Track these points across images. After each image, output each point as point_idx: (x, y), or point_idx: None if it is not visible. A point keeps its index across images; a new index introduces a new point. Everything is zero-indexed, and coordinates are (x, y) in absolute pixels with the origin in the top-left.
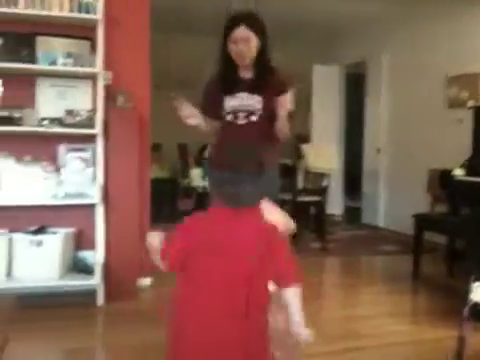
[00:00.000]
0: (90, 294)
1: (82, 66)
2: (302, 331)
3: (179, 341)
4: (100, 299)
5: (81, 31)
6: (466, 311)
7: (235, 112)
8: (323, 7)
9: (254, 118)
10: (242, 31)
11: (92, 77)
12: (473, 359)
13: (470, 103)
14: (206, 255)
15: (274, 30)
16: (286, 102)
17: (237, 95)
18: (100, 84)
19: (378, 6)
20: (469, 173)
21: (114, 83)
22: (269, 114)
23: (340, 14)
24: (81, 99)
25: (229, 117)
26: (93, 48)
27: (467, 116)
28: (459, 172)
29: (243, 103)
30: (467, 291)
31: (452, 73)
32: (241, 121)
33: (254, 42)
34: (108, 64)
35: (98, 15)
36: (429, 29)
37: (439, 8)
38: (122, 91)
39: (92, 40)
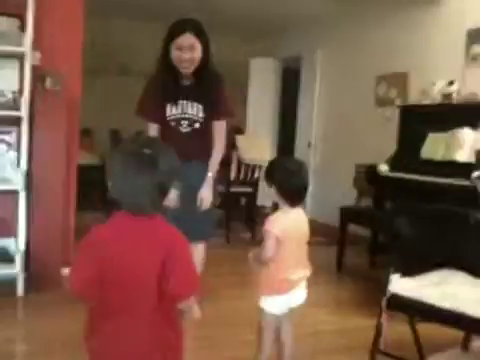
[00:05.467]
0: (11, 284)
1: (9, 45)
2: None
3: None
4: (21, 288)
5: (10, 8)
6: (384, 301)
7: (178, 120)
8: (261, 1)
9: (197, 126)
10: (187, 39)
11: (20, 57)
12: (391, 347)
13: (397, 102)
14: (114, 272)
15: (212, 22)
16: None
17: (179, 102)
18: (27, 64)
19: (315, 3)
20: (393, 169)
21: (43, 64)
22: (209, 119)
23: (278, 8)
24: (6, 79)
25: (172, 124)
26: (22, 27)
27: (394, 114)
28: (383, 168)
29: (186, 111)
30: (386, 282)
31: (381, 72)
32: (184, 129)
33: (199, 50)
34: (37, 44)
35: None
36: (361, 28)
37: (371, 9)
38: (51, 73)
39: (21, 18)
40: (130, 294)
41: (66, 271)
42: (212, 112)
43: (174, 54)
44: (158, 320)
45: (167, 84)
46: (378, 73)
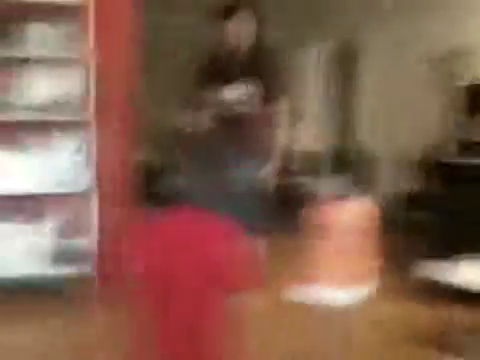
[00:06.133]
0: (82, 282)
1: (72, 51)
2: None
3: None
4: (91, 286)
5: (69, 14)
6: (442, 289)
7: (232, 103)
8: None
9: (250, 107)
10: (241, 19)
11: (82, 62)
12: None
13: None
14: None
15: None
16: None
17: (232, 86)
18: (91, 69)
19: None
20: (454, 154)
21: (104, 67)
22: (263, 99)
23: None
24: (70, 84)
25: (225, 107)
26: (81, 33)
27: (457, 96)
28: (444, 152)
29: (239, 93)
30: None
31: (439, 52)
32: (237, 111)
33: (251, 29)
34: (96, 49)
35: None
36: (418, 12)
37: None
38: (110, 76)
39: (79, 24)
40: (187, 289)
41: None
42: (270, 89)
43: (229, 34)
44: (208, 314)
45: (220, 65)
46: (436, 54)
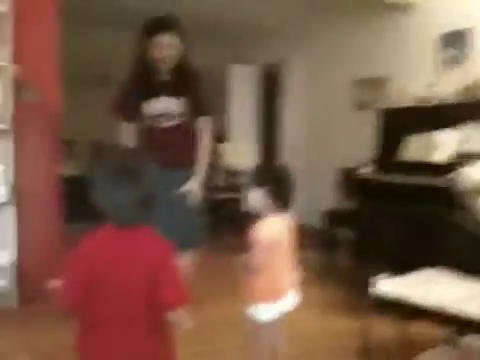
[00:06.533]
0: (2, 296)
1: None
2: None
3: None
4: (13, 301)
5: None
6: (367, 303)
7: (157, 116)
8: (240, 7)
9: (175, 122)
10: (167, 37)
11: None
12: (379, 348)
13: (375, 105)
14: (103, 285)
15: (191, 28)
16: (206, 134)
17: (157, 99)
18: (8, 77)
19: (290, 9)
20: (374, 171)
21: (22, 77)
22: (190, 115)
23: (257, 15)
24: None
25: (150, 121)
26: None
27: (373, 117)
28: (364, 170)
29: (165, 107)
30: (369, 284)
31: (358, 76)
32: (163, 125)
33: (177, 46)
34: (16, 57)
35: (4, 7)
36: (337, 34)
37: (346, 15)
38: (31, 85)
39: None
40: (117, 305)
41: (54, 283)
42: (196, 108)
43: (153, 51)
44: (146, 330)
45: (144, 81)
46: (356, 78)
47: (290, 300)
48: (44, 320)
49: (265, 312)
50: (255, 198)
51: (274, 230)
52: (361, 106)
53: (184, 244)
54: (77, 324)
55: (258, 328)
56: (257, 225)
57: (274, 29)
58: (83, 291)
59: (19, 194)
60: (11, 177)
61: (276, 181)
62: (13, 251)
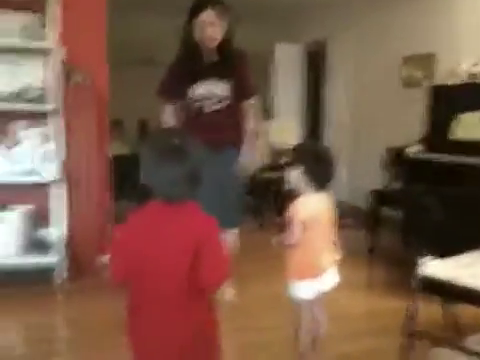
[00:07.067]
0: (52, 271)
1: (34, 40)
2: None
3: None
4: (61, 276)
5: (33, 5)
6: (415, 284)
7: (203, 100)
8: None
9: (221, 105)
10: (210, 15)
11: (44, 53)
12: (422, 329)
13: (424, 83)
14: (148, 260)
15: (236, 7)
16: (253, 115)
17: (203, 82)
18: (55, 59)
19: None
20: (423, 150)
21: (70, 59)
22: (235, 98)
23: None
24: (35, 75)
25: (197, 104)
26: (45, 23)
27: (422, 95)
28: (413, 149)
29: (211, 91)
30: (416, 265)
31: (407, 53)
32: (208, 109)
33: (221, 26)
34: (63, 40)
35: None
36: (387, 9)
37: None
38: (78, 67)
39: (44, 14)
40: (162, 281)
41: (104, 259)
42: (241, 90)
43: (197, 31)
44: (190, 306)
45: (190, 63)
46: (404, 54)
47: (329, 279)
48: (92, 294)
49: (303, 290)
50: (294, 177)
51: (310, 208)
52: (410, 83)
53: (226, 223)
54: (127, 299)
55: (297, 306)
56: (294, 203)
57: (319, 6)
58: (129, 266)
59: (70, 172)
60: (62, 156)
61: (313, 160)
62: (64, 228)
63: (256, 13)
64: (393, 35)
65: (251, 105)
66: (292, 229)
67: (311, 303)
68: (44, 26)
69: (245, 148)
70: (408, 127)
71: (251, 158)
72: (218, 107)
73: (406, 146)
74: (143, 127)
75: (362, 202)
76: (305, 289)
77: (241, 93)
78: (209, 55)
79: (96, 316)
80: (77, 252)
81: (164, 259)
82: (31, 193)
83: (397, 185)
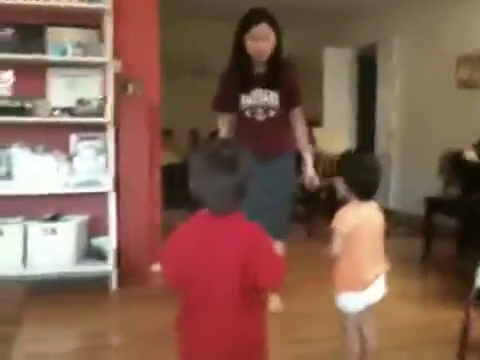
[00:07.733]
0: (104, 280)
1: (91, 55)
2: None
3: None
4: (114, 284)
5: (89, 20)
6: (472, 295)
7: (253, 109)
8: None
9: (272, 114)
10: (262, 29)
11: (101, 66)
12: (475, 342)
13: None
14: (198, 269)
15: (284, 12)
16: (302, 123)
17: (253, 92)
18: (110, 73)
19: None
20: None
21: (123, 71)
22: (285, 107)
23: None
24: (91, 88)
25: (247, 113)
26: (102, 37)
27: (479, 97)
28: (470, 154)
29: (260, 100)
30: (474, 275)
31: (463, 54)
32: (260, 117)
33: (273, 40)
34: (117, 53)
35: (106, 4)
36: (440, 10)
37: None
38: (132, 79)
39: (100, 29)
40: (212, 290)
41: (155, 267)
42: (289, 100)
43: (249, 44)
44: (241, 314)
45: (242, 74)
46: (459, 55)
47: (376, 291)
48: (143, 303)
49: (350, 302)
50: (339, 187)
51: (352, 219)
52: (465, 85)
53: (274, 234)
54: (178, 306)
55: (345, 318)
56: (338, 213)
57: (368, 9)
58: (181, 273)
59: (121, 183)
60: (114, 167)
61: (354, 171)
62: (115, 236)
63: (304, 17)
64: (446, 35)
65: (299, 114)
66: (333, 241)
67: (359, 316)
68: (101, 41)
69: (307, 170)
70: (464, 130)
71: (313, 179)
72: (269, 116)
73: (463, 151)
74: (194, 137)
75: (416, 210)
76: (351, 301)
77: (290, 102)
78: (260, 65)
79: (146, 323)
80: (129, 260)
81: (215, 266)
82: (87, 203)
83: (453, 192)
